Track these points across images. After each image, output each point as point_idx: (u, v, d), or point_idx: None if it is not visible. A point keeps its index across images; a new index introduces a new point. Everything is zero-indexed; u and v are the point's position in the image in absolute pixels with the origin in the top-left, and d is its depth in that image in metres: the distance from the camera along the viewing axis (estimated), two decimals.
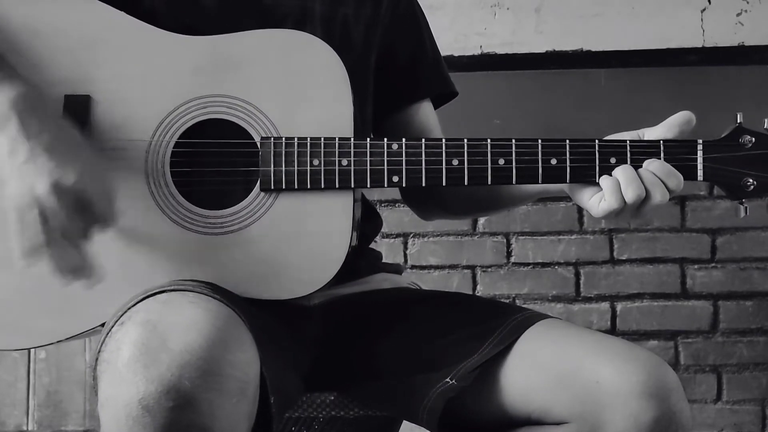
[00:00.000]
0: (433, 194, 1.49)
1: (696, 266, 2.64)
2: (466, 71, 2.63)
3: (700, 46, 2.62)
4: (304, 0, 1.33)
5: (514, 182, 1.21)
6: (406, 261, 2.66)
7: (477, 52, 2.64)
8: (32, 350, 2.63)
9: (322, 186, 1.20)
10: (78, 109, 1.19)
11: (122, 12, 1.23)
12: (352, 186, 1.20)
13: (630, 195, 1.17)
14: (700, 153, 1.21)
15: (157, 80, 1.20)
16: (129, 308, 1.06)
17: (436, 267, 2.67)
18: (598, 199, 1.20)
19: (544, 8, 2.64)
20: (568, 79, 2.67)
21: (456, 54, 2.63)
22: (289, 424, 1.35)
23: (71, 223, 1.07)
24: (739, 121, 1.23)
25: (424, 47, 1.47)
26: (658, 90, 2.61)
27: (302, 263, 1.19)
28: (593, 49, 2.63)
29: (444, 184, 1.21)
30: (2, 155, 1.09)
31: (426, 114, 1.46)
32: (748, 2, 2.61)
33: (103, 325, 1.14)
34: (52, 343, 1.20)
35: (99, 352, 1.06)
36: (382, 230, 1.53)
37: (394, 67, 1.42)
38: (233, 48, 1.22)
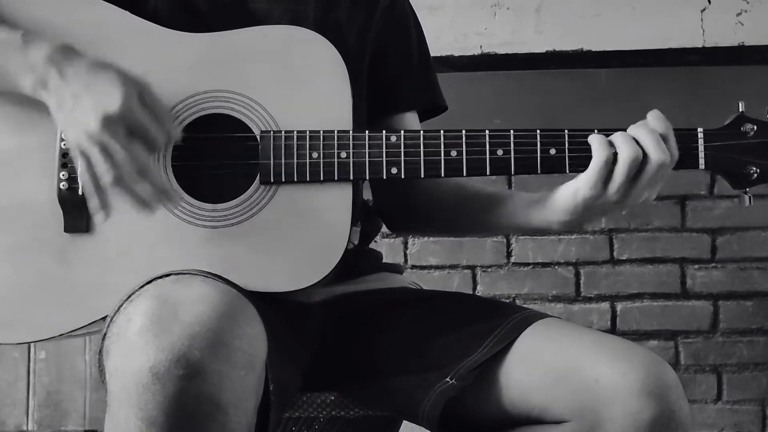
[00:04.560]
0: (409, 212, 1.45)
1: (696, 266, 2.64)
2: (466, 71, 2.63)
3: (700, 46, 2.61)
4: (297, 5, 1.34)
5: (512, 173, 1.21)
6: (406, 261, 2.66)
7: (477, 52, 2.64)
8: (32, 350, 2.63)
9: (321, 178, 1.21)
10: None
11: (125, 11, 1.24)
12: (351, 178, 1.21)
13: (625, 149, 1.15)
14: (701, 141, 1.20)
15: (158, 77, 1.21)
16: (138, 289, 1.08)
17: (436, 267, 2.67)
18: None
19: (544, 8, 2.64)
20: (568, 79, 2.67)
21: (456, 54, 2.63)
22: (289, 424, 1.35)
23: (132, 151, 1.10)
24: (741, 109, 1.22)
25: (410, 57, 1.44)
26: (658, 90, 2.61)
27: (302, 255, 1.20)
28: (593, 49, 2.63)
29: (443, 175, 1.21)
30: (53, 111, 1.13)
31: (407, 127, 1.42)
32: (748, 2, 2.61)
33: (104, 319, 1.15)
34: (53, 337, 1.21)
35: (107, 329, 1.07)
36: (382, 230, 1.53)
37: (382, 73, 1.41)
38: (233, 44, 1.23)
